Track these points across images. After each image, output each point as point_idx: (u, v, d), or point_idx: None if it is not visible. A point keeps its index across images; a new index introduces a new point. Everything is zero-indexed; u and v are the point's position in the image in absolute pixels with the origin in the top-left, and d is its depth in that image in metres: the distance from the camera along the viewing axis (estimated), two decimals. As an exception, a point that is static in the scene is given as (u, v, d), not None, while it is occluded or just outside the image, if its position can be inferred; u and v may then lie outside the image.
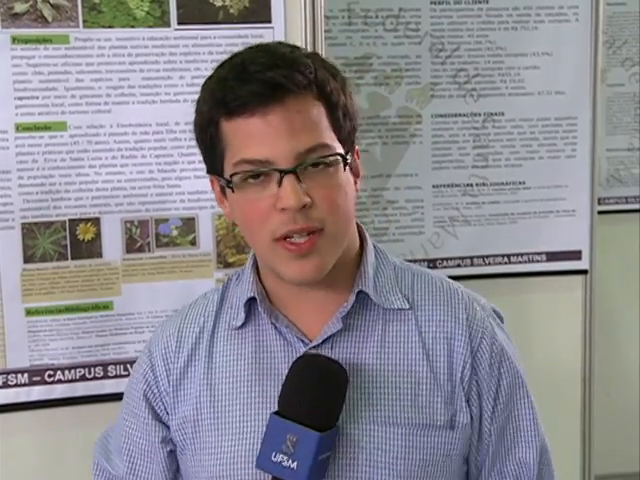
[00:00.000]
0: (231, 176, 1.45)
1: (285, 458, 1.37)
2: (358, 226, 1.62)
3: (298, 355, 1.49)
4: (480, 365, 1.55)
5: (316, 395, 1.41)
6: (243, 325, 1.56)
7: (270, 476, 1.42)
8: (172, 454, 1.61)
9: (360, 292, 1.53)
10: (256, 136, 1.42)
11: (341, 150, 1.47)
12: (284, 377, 1.47)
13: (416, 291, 1.58)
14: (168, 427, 1.60)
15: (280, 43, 1.54)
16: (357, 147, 1.57)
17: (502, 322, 1.65)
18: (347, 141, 1.51)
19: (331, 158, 1.44)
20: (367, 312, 1.55)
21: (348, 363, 1.51)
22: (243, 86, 1.41)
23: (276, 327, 1.54)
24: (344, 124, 1.49)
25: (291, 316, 1.55)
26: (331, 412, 1.42)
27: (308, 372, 1.44)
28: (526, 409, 1.61)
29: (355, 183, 1.55)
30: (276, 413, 1.41)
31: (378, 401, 1.51)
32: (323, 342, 1.52)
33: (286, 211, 1.41)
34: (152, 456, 1.62)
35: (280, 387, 1.46)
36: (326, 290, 1.53)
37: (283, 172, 1.41)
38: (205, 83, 1.52)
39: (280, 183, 1.41)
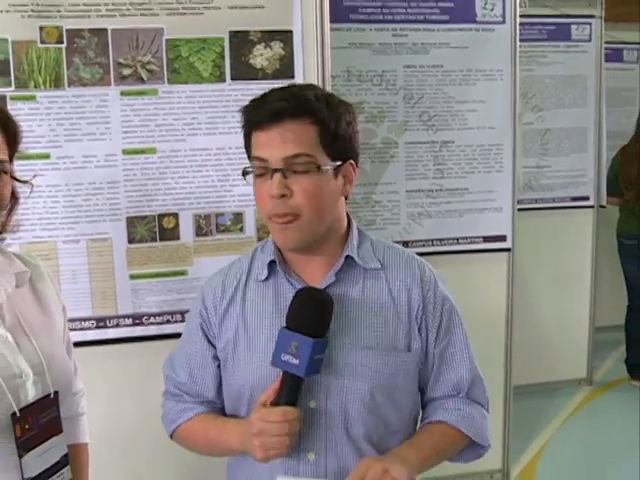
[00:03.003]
0: (251, 168, 1.48)
1: (291, 357, 1.40)
2: (348, 215, 1.59)
3: None
4: (428, 307, 1.53)
5: (312, 313, 1.43)
6: (266, 279, 1.55)
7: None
8: (219, 367, 1.60)
9: (348, 256, 1.52)
10: (263, 143, 1.45)
11: (324, 162, 1.45)
12: None
13: (386, 257, 1.57)
14: (216, 348, 1.60)
15: (299, 84, 1.58)
16: (351, 162, 1.52)
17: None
18: (339, 156, 1.48)
19: (310, 165, 1.43)
20: (352, 271, 1.53)
21: (339, 306, 1.50)
22: (262, 111, 1.44)
23: (289, 281, 1.53)
24: (334, 144, 1.46)
25: (300, 273, 1.54)
26: (322, 325, 1.43)
27: (307, 298, 1.45)
28: (461, 340, 1.58)
29: (345, 185, 1.52)
30: (285, 328, 1.43)
31: (358, 332, 1.50)
32: (326, 288, 1.51)
33: (273, 198, 1.44)
34: (205, 367, 1.62)
35: None
36: (323, 256, 1.53)
37: (274, 170, 1.43)
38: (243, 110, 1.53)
39: (271, 177, 1.44)
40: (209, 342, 1.61)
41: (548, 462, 3.86)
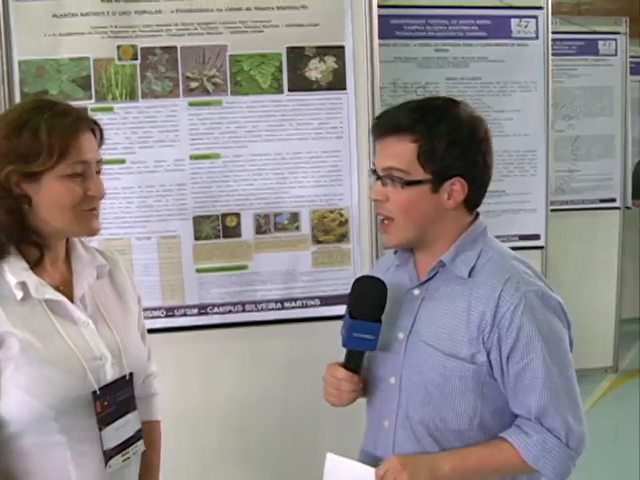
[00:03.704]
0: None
1: (343, 331, 1.49)
2: (476, 218, 1.53)
3: (411, 286, 1.52)
4: (501, 326, 1.39)
5: (357, 298, 1.49)
6: (398, 267, 1.58)
7: None
8: None
9: (441, 260, 1.47)
10: (376, 152, 1.51)
11: (420, 177, 1.43)
12: (401, 296, 1.53)
13: (483, 268, 1.45)
14: None
15: (432, 98, 1.59)
16: (460, 179, 1.43)
17: (550, 303, 1.46)
18: (441, 173, 1.43)
19: (401, 179, 1.43)
20: (448, 273, 1.47)
21: (427, 300, 1.49)
22: (376, 126, 1.51)
23: (405, 270, 1.55)
24: (433, 162, 1.42)
25: (417, 266, 1.55)
26: (364, 309, 1.47)
27: (359, 285, 1.50)
28: (537, 370, 1.40)
29: (448, 199, 1.44)
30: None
31: (430, 330, 1.46)
32: (421, 283, 1.51)
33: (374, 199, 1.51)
34: None
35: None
36: (431, 256, 1.49)
37: (377, 177, 1.49)
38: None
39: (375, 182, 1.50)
40: None
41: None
